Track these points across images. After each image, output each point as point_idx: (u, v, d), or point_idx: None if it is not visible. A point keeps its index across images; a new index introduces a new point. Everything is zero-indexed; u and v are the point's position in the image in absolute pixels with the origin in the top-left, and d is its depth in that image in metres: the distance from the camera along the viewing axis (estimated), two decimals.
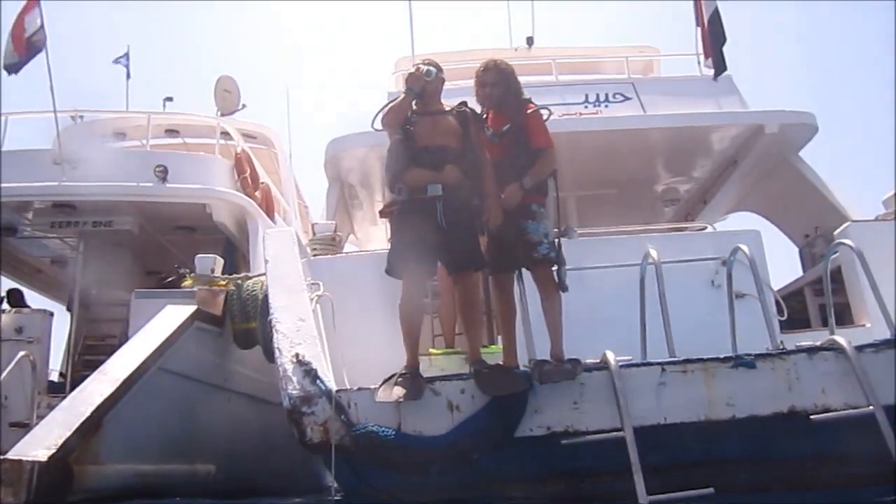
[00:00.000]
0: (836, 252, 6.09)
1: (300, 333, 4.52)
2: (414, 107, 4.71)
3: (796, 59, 47.03)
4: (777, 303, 6.17)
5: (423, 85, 4.65)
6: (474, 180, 4.58)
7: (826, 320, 5.78)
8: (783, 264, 9.99)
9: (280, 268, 5.22)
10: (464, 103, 4.81)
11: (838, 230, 6.94)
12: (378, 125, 4.71)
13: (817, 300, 7.89)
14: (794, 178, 9.02)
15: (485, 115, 4.90)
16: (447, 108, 4.78)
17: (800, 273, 9.09)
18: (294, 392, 4.15)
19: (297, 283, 5.03)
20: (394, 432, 4.07)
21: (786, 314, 6.02)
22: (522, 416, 4.21)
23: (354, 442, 4.04)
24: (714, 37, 8.64)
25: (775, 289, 8.31)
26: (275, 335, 4.53)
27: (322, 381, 4.17)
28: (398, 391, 4.10)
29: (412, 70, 4.81)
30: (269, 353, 4.85)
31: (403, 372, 4.28)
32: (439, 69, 4.80)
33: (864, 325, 6.43)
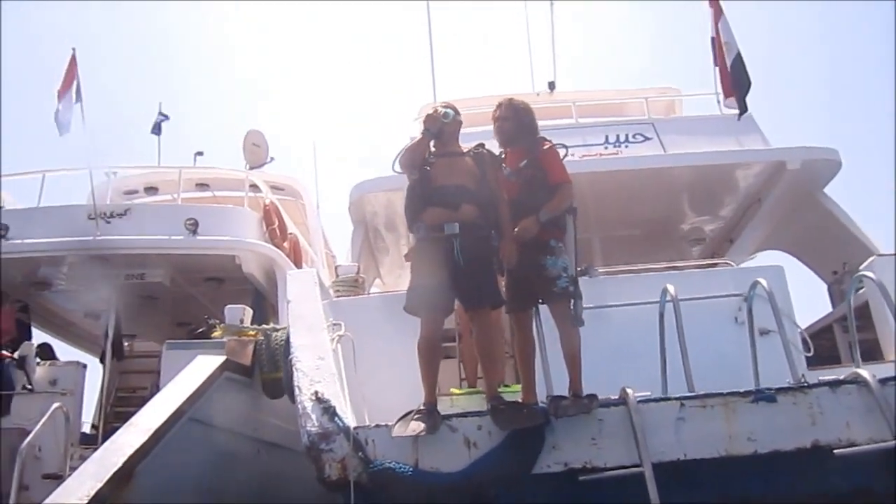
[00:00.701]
0: (860, 287, 6.02)
1: (319, 371, 4.56)
2: (432, 148, 4.81)
3: (817, 88, 46.74)
4: (803, 339, 6.09)
5: (441, 126, 4.75)
6: (491, 219, 4.65)
7: (861, 356, 5.68)
8: (814, 302, 9.88)
9: (301, 307, 5.29)
10: (481, 145, 4.90)
11: (864, 265, 6.86)
12: (397, 167, 4.82)
13: (846, 336, 7.76)
14: (819, 215, 8.97)
15: (503, 155, 4.98)
16: (465, 150, 4.86)
17: (830, 310, 8.96)
18: (313, 429, 4.17)
19: (317, 322, 5.10)
20: (411, 469, 4.06)
21: (812, 350, 5.93)
22: (540, 452, 4.17)
23: (372, 478, 4.04)
24: (737, 81, 8.75)
25: (805, 326, 8.29)
26: (294, 373, 4.58)
27: (340, 419, 4.19)
28: (414, 426, 4.10)
29: (430, 112, 4.91)
30: (291, 393, 4.90)
31: (420, 408, 4.30)
32: (457, 112, 4.90)
33: (892, 361, 6.30)
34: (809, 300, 10.11)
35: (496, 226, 4.67)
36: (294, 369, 4.61)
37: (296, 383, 4.49)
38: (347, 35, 53.62)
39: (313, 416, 4.22)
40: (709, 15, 9.35)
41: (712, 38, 9.26)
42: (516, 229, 4.66)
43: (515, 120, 4.97)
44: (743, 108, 8.72)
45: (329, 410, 4.21)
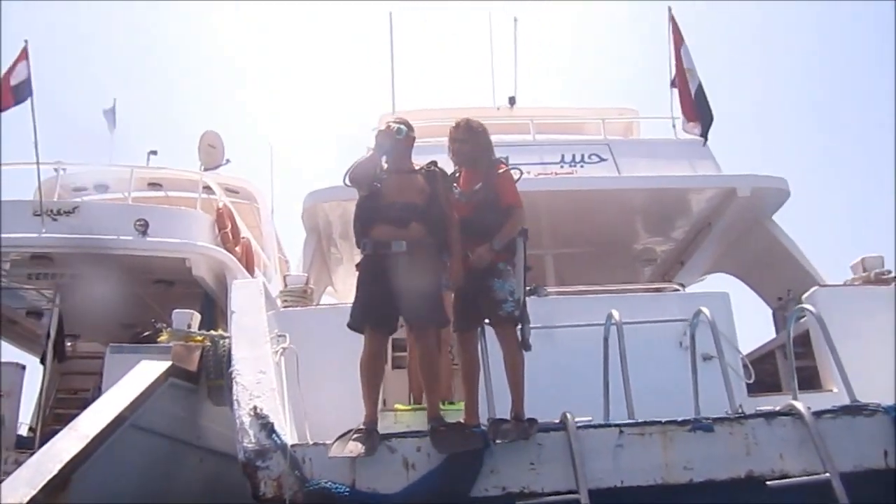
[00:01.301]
0: (801, 317, 6.14)
1: (260, 386, 4.50)
2: (384, 164, 4.79)
3: (767, 114, 47.92)
4: (745, 366, 6.19)
5: (393, 142, 4.74)
6: (439, 238, 4.64)
7: (799, 384, 5.79)
8: (763, 325, 10.05)
9: (244, 319, 5.23)
10: (433, 163, 4.89)
11: (806, 294, 7.00)
12: (347, 182, 4.78)
13: (787, 364, 7.91)
14: (767, 241, 9.15)
15: (456, 175, 4.98)
16: (417, 167, 4.85)
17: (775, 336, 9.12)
18: (249, 445, 4.11)
19: (259, 334, 5.04)
20: (347, 489, 4.02)
21: (752, 377, 6.03)
22: (478, 475, 4.16)
23: (307, 498, 3.98)
24: (701, 109, 8.92)
25: (749, 351, 8.43)
26: (234, 387, 4.52)
27: (278, 435, 4.14)
28: (352, 447, 4.07)
29: (382, 128, 4.89)
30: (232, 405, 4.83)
31: (360, 427, 4.26)
32: (410, 128, 4.88)
33: (831, 390, 6.43)
34: (758, 324, 10.29)
35: (444, 245, 4.66)
36: (234, 383, 4.55)
37: (235, 397, 4.44)
38: (309, 36, 53.46)
39: (251, 432, 4.16)
40: (668, 40, 9.52)
41: (673, 63, 9.43)
42: (472, 256, 4.65)
43: (472, 143, 4.95)
44: (705, 136, 8.89)
45: (267, 427, 4.16)
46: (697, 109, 9.03)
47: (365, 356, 4.48)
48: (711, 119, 8.96)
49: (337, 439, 4.20)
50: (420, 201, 4.65)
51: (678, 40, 9.40)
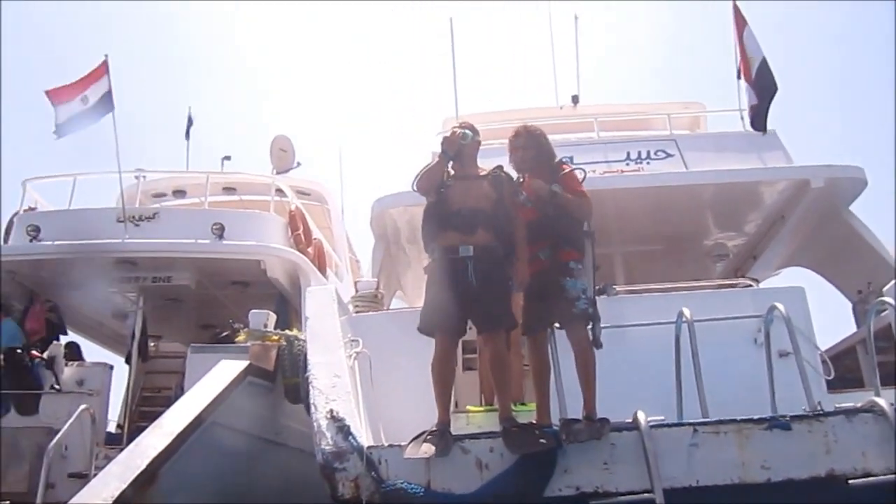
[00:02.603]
0: (882, 310, 5.96)
1: (335, 390, 4.63)
2: (450, 170, 4.85)
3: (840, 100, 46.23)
4: (824, 362, 6.04)
5: (459, 148, 4.80)
6: (506, 242, 4.68)
7: (882, 379, 5.64)
8: (842, 319, 9.76)
9: (318, 325, 5.37)
10: (499, 167, 4.93)
11: (887, 287, 6.79)
12: (415, 189, 4.87)
13: (869, 358, 7.68)
14: (844, 233, 8.88)
15: (521, 180, 5.01)
16: (483, 172, 4.89)
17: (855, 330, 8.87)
18: (327, 448, 4.24)
19: (334, 340, 5.17)
20: (422, 489, 4.11)
21: (832, 373, 5.88)
22: (551, 475, 4.19)
23: (384, 498, 4.09)
24: (763, 90, 8.63)
25: (829, 346, 8.22)
26: (311, 391, 4.66)
27: (354, 438, 4.25)
28: (426, 448, 4.15)
29: (447, 134, 4.94)
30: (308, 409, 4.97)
31: (433, 429, 4.34)
32: (475, 132, 4.93)
33: None
34: (837, 318, 10.00)
35: (511, 249, 4.69)
36: (310, 387, 4.68)
37: (312, 401, 4.57)
38: (373, 41, 53.94)
39: (328, 435, 4.29)
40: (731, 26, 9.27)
41: (737, 52, 9.19)
42: (530, 185, 4.75)
43: (535, 149, 5.00)
44: (762, 125, 8.62)
45: (343, 429, 4.28)
46: (757, 96, 8.76)
47: (435, 359, 4.55)
48: (774, 91, 8.62)
49: (411, 441, 4.28)
50: (486, 207, 4.69)
51: (741, 25, 9.10)
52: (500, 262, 4.65)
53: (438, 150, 4.90)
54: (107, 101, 10.12)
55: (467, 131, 4.85)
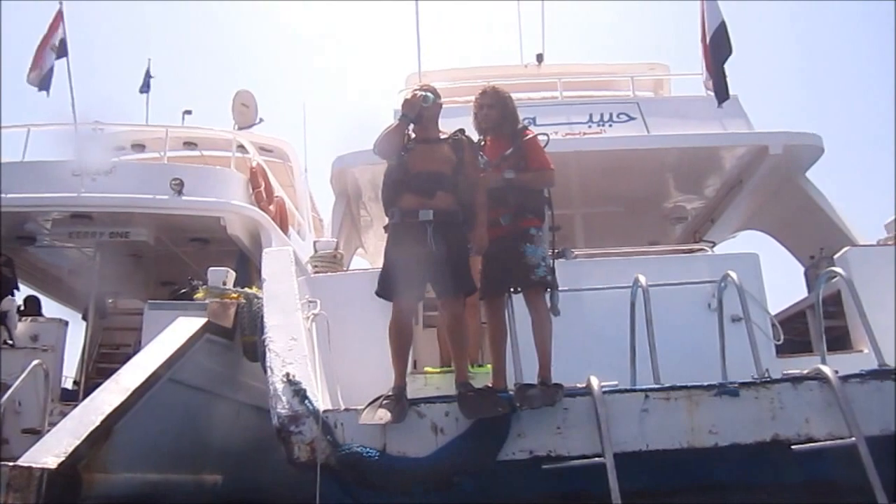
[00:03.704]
0: (832, 278, 6.09)
1: (292, 353, 4.64)
2: (412, 132, 4.80)
3: (800, 72, 46.64)
4: (774, 326, 6.17)
5: (419, 111, 4.75)
6: (466, 207, 4.68)
7: (830, 344, 5.78)
8: (796, 283, 9.95)
9: (275, 286, 5.34)
10: (461, 131, 4.89)
11: (838, 255, 6.93)
12: (375, 152, 4.82)
13: (818, 326, 7.85)
14: (800, 199, 9.01)
15: (482, 143, 4.99)
16: (444, 135, 4.86)
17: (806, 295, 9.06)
18: (283, 411, 4.26)
19: (291, 302, 5.15)
20: (378, 453, 4.16)
21: (781, 338, 6.01)
22: (505, 439, 4.27)
23: (340, 462, 4.13)
24: (717, 55, 8.54)
25: (780, 310, 8.39)
26: (267, 354, 4.66)
27: (310, 401, 4.27)
28: (381, 414, 4.19)
29: (408, 96, 4.89)
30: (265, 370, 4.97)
31: (389, 394, 4.37)
32: (437, 95, 4.87)
33: (861, 351, 6.41)
34: (791, 281, 10.19)
35: (471, 213, 4.69)
36: (266, 350, 4.68)
37: (268, 364, 4.57)
38: None
39: (284, 399, 4.30)
40: None
41: (701, 14, 9.12)
42: (485, 176, 4.75)
43: (500, 108, 4.97)
44: (723, 95, 8.55)
45: (300, 393, 4.30)
46: (713, 62, 8.63)
47: (393, 323, 4.57)
48: (728, 55, 8.39)
49: (367, 406, 4.31)
50: (447, 170, 4.67)
51: None
52: (460, 226, 4.65)
53: (400, 111, 4.86)
54: (61, 47, 9.84)
55: (428, 94, 4.79)
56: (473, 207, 4.70)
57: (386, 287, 4.61)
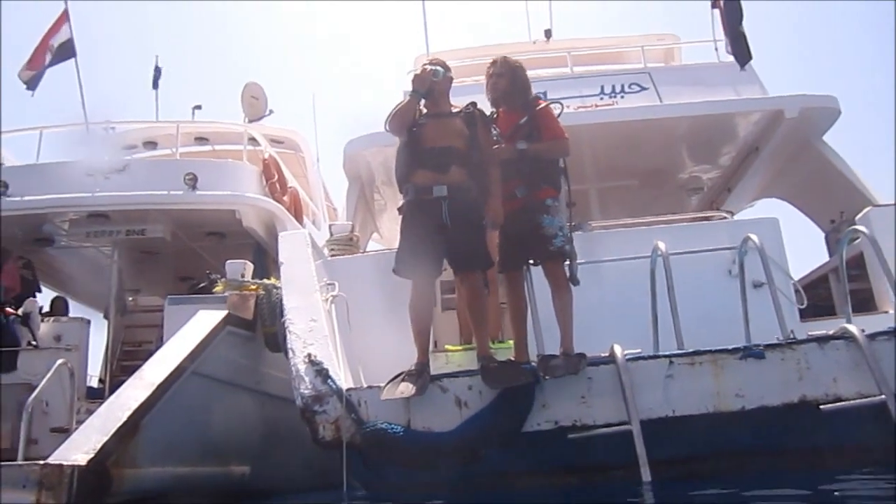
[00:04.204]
0: (854, 238, 6.01)
1: (312, 334, 4.63)
2: (423, 108, 4.77)
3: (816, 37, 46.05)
4: (797, 291, 6.10)
5: (430, 85, 4.71)
6: (480, 180, 4.64)
7: (854, 306, 5.71)
8: (816, 249, 9.85)
9: (293, 270, 5.34)
10: (473, 104, 4.84)
11: (859, 215, 6.84)
12: (387, 128, 4.79)
13: (841, 287, 7.77)
14: (818, 163, 8.90)
15: (494, 115, 4.94)
16: (456, 109, 4.82)
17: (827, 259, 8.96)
18: (306, 391, 4.26)
19: (309, 284, 5.15)
20: (402, 429, 4.16)
21: (805, 302, 5.94)
22: (530, 410, 4.25)
23: (365, 439, 4.13)
24: (731, 19, 8.49)
25: (802, 276, 8.30)
26: (288, 336, 4.66)
27: (333, 381, 4.27)
28: (403, 388, 4.18)
29: (418, 71, 4.84)
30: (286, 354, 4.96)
31: (410, 369, 4.36)
32: (447, 68, 4.85)
33: (886, 312, 6.33)
34: (811, 248, 10.10)
35: (485, 186, 4.65)
36: (287, 332, 4.68)
37: (289, 346, 4.57)
38: None
39: (307, 379, 4.30)
40: None
41: None
42: (497, 151, 4.72)
43: (510, 77, 4.91)
44: (744, 57, 8.50)
45: (322, 373, 4.29)
46: (728, 21, 8.61)
47: (412, 301, 4.55)
48: (740, 18, 8.46)
49: (389, 382, 4.30)
50: (459, 145, 4.63)
51: None
52: (475, 200, 4.61)
53: (410, 89, 4.82)
54: (68, 48, 9.85)
55: (438, 68, 4.77)
56: (487, 181, 4.65)
57: (403, 265, 4.58)
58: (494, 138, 4.78)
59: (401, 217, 4.73)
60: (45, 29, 10.12)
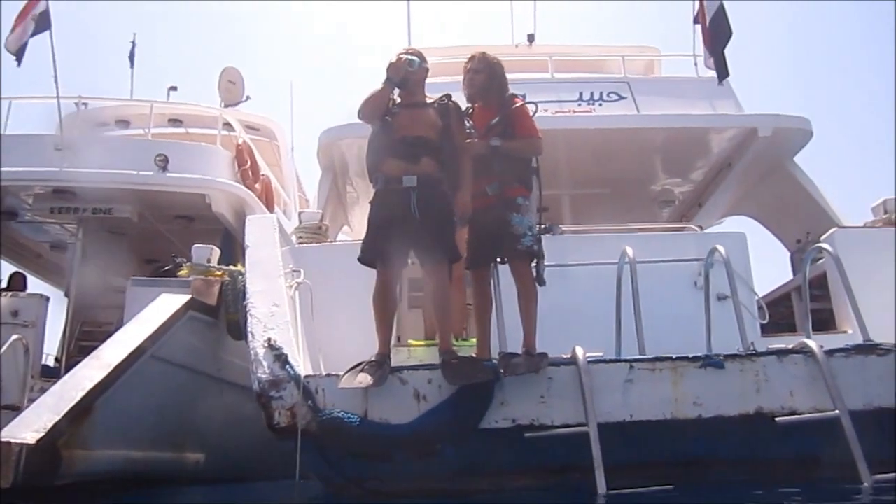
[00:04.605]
0: (818, 258, 6.09)
1: (273, 319, 4.58)
2: (397, 98, 4.72)
3: (789, 57, 46.90)
4: (760, 306, 6.17)
5: (405, 74, 4.65)
6: (451, 173, 4.61)
7: (814, 325, 5.78)
8: (781, 270, 9.97)
9: (258, 253, 5.28)
10: (447, 96, 4.82)
11: (824, 236, 6.93)
12: (359, 116, 4.73)
13: (803, 306, 7.87)
14: (787, 183, 9.03)
15: (469, 110, 4.92)
16: (431, 100, 4.78)
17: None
18: (263, 376, 4.20)
19: (274, 268, 5.09)
20: (359, 419, 4.11)
21: (767, 317, 6.00)
22: (488, 407, 4.23)
23: (321, 427, 4.08)
24: (717, 36, 8.52)
25: (766, 293, 8.39)
26: (249, 319, 4.60)
27: (291, 366, 4.22)
28: (361, 378, 4.14)
29: (393, 59, 4.75)
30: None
31: (371, 360, 4.32)
32: (423, 59, 4.78)
33: (845, 332, 6.41)
34: (776, 268, 10.21)
35: (455, 179, 4.62)
36: (248, 315, 4.62)
37: (249, 329, 4.51)
38: None
39: (265, 363, 4.25)
40: None
41: None
42: (467, 146, 4.69)
43: (488, 73, 4.88)
44: (723, 72, 8.56)
45: (281, 358, 4.24)
46: (713, 41, 8.60)
47: (376, 291, 4.51)
48: (728, 36, 8.39)
49: (348, 371, 4.26)
50: (432, 135, 4.60)
51: None
52: (445, 192, 4.58)
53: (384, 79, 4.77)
54: (43, 19, 9.65)
55: (414, 57, 4.70)
56: (458, 174, 4.63)
57: (369, 253, 4.54)
58: (469, 132, 4.75)
59: (370, 207, 4.69)
60: None
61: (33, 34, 9.69)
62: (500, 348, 4.73)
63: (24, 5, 9.84)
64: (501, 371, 4.31)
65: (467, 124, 4.78)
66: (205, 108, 12.23)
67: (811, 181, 8.82)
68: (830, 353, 4.48)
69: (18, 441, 4.46)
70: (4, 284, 10.49)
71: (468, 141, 4.72)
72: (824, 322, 6.94)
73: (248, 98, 13.38)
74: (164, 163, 9.90)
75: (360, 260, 4.56)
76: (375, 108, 4.63)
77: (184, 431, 6.52)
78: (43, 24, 9.71)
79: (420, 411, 4.21)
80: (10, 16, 9.85)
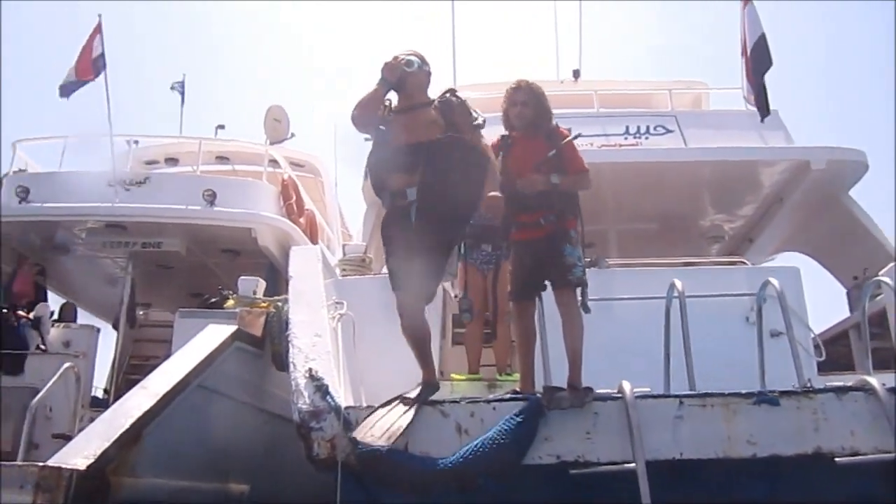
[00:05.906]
0: (876, 293, 5.88)
1: (315, 349, 4.52)
2: (395, 102, 4.38)
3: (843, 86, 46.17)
4: (816, 344, 5.96)
5: (402, 75, 4.23)
6: (464, 171, 4.18)
7: (874, 365, 5.55)
8: (837, 307, 9.67)
9: (301, 284, 5.27)
10: (451, 90, 4.49)
11: (883, 270, 6.70)
12: (352, 122, 4.32)
13: (862, 344, 7.60)
14: (842, 218, 8.79)
15: (508, 141, 4.78)
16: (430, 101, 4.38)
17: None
18: (304, 406, 4.13)
19: (316, 299, 5.06)
20: (399, 451, 4.02)
21: (823, 355, 5.80)
22: (532, 442, 4.12)
23: (360, 459, 3.99)
24: (757, 67, 8.33)
25: (822, 331, 8.13)
26: (290, 350, 4.56)
27: (332, 397, 4.14)
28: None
29: (389, 60, 4.35)
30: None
31: (405, 395, 4.23)
32: (424, 62, 4.45)
33: None
34: (832, 307, 9.91)
35: (475, 177, 4.18)
36: (290, 346, 4.58)
37: (291, 359, 4.47)
38: (374, 15, 53.58)
39: (305, 394, 4.18)
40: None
41: (741, 28, 8.95)
42: (520, 183, 4.42)
43: (535, 106, 4.67)
44: (764, 110, 8.32)
45: (321, 388, 4.17)
46: (753, 70, 8.40)
47: (402, 322, 4.36)
48: (768, 66, 8.21)
49: (385, 404, 4.19)
50: (433, 137, 4.17)
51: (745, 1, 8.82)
52: (450, 199, 4.15)
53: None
54: (99, 62, 9.99)
55: (413, 58, 4.31)
56: (485, 176, 4.23)
57: (393, 282, 4.38)
58: (476, 124, 4.37)
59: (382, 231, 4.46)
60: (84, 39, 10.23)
61: (87, 82, 10.02)
62: (545, 380, 4.62)
63: (81, 48, 10.20)
64: (545, 404, 4.18)
65: (477, 119, 4.39)
66: (251, 146, 12.51)
67: (868, 215, 8.56)
68: (893, 391, 4.26)
69: (69, 467, 4.45)
70: (56, 316, 10.70)
71: (528, 178, 4.48)
72: (885, 361, 6.66)
73: (293, 135, 13.57)
74: (211, 197, 10.11)
75: (393, 289, 4.45)
76: (367, 111, 4.22)
77: (229, 462, 6.51)
78: (98, 66, 10.05)
79: (462, 444, 4.10)
80: (10, 15, 10.24)
